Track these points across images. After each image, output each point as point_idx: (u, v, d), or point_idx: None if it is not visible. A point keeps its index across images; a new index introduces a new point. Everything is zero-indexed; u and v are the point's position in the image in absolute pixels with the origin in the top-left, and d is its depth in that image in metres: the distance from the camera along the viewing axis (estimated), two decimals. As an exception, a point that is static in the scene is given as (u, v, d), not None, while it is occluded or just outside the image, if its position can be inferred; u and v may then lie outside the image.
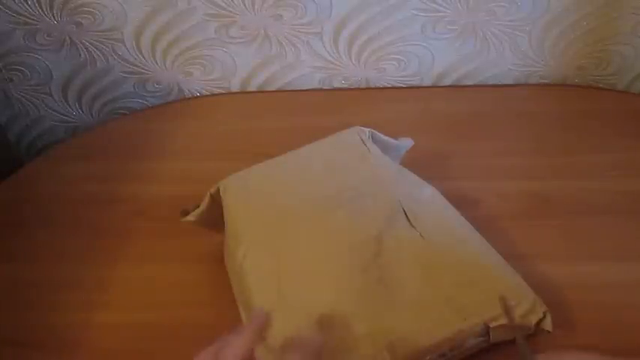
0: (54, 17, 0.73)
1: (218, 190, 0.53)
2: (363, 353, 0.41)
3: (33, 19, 0.73)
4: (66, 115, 0.84)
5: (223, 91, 0.83)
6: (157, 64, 0.79)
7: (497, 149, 0.67)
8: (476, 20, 0.73)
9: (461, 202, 0.52)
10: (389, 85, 0.81)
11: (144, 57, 0.78)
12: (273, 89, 0.82)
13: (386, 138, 0.57)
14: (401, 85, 0.81)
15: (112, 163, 0.71)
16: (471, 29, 0.74)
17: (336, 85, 0.82)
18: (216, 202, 0.53)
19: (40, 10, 0.72)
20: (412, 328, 0.42)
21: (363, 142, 0.55)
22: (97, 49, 0.77)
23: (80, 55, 0.77)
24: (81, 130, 0.85)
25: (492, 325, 0.42)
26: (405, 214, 0.48)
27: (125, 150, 0.73)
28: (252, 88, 0.82)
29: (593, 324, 0.48)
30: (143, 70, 0.79)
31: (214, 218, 0.53)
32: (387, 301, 0.43)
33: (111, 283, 0.56)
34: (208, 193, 0.53)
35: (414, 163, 0.58)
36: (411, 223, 0.47)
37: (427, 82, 0.80)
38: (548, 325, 0.43)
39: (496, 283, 0.44)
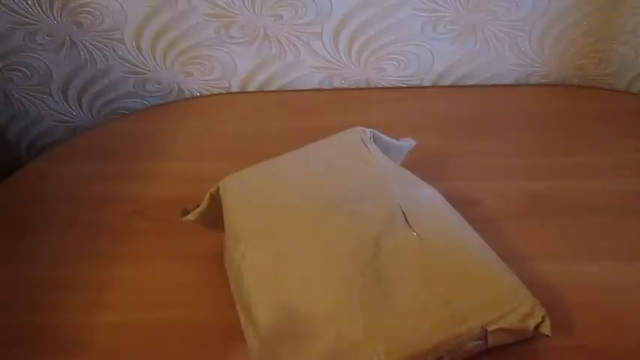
0: (54, 17, 0.73)
1: (218, 190, 0.53)
2: (360, 356, 0.40)
3: (33, 19, 0.73)
4: (66, 115, 0.84)
5: (223, 91, 0.83)
6: (157, 64, 0.79)
7: (497, 149, 0.67)
8: (476, 20, 0.73)
9: (461, 202, 0.52)
10: (389, 85, 0.81)
11: (144, 57, 0.78)
12: (273, 89, 0.82)
13: (388, 138, 0.57)
14: (401, 85, 0.81)
15: (112, 163, 0.71)
16: (471, 29, 0.74)
17: (336, 85, 0.82)
18: (216, 201, 0.53)
19: (40, 10, 0.72)
20: (410, 330, 0.42)
21: (364, 142, 0.54)
22: (97, 49, 0.77)
23: (80, 55, 0.77)
24: (81, 130, 0.85)
25: (490, 328, 0.42)
26: (404, 216, 0.48)
27: (125, 150, 0.73)
28: (252, 88, 0.82)
29: (592, 324, 0.48)
30: (143, 70, 0.79)
31: (214, 218, 0.53)
32: (384, 304, 0.43)
33: (111, 283, 0.56)
34: (208, 193, 0.53)
35: (414, 163, 0.57)
36: (409, 226, 0.47)
37: (427, 82, 0.80)
38: (547, 329, 0.43)
39: (494, 287, 0.44)
